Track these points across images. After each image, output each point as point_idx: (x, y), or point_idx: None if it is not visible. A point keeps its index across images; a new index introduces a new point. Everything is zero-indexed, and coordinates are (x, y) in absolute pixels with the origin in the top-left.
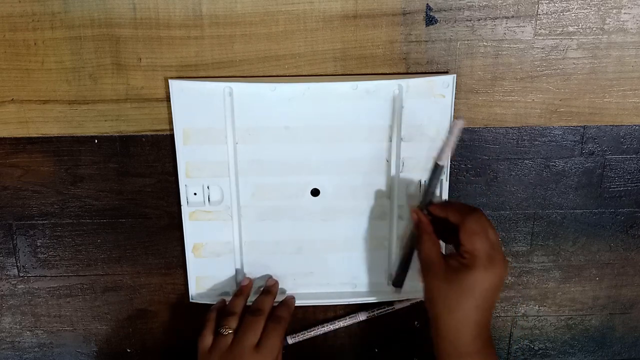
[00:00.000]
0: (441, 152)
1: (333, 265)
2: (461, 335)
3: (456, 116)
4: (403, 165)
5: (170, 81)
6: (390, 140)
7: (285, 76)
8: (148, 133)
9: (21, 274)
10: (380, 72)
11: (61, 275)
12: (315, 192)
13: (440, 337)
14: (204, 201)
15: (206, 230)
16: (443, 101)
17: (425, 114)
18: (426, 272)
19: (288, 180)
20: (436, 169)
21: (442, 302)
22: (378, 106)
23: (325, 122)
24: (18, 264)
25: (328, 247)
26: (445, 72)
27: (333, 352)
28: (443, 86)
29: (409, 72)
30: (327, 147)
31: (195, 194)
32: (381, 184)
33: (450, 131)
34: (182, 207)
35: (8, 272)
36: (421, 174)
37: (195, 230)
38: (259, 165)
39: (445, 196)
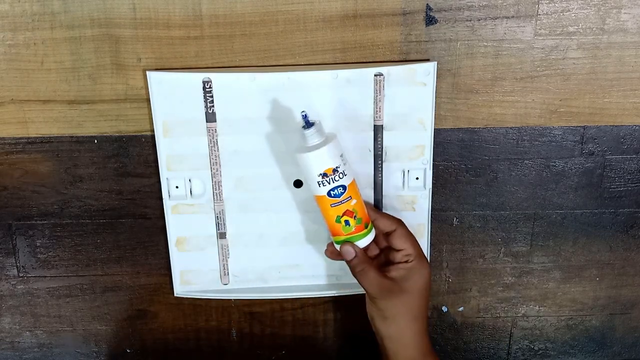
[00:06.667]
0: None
1: (318, 257)
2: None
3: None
4: (386, 155)
5: (148, 72)
6: (372, 129)
7: (267, 66)
8: (148, 133)
9: (21, 274)
10: None
11: (61, 276)
12: (298, 184)
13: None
14: (186, 194)
15: (189, 224)
16: (424, 89)
17: (407, 102)
18: (380, 296)
19: (270, 172)
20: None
21: (401, 316)
22: (359, 95)
23: (307, 112)
24: (18, 264)
25: (313, 239)
26: (427, 60)
27: (333, 352)
28: (424, 74)
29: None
30: None
31: (177, 187)
32: (364, 173)
33: None
34: (163, 200)
35: (8, 273)
36: (404, 163)
37: (178, 224)
38: (241, 157)
39: (429, 185)
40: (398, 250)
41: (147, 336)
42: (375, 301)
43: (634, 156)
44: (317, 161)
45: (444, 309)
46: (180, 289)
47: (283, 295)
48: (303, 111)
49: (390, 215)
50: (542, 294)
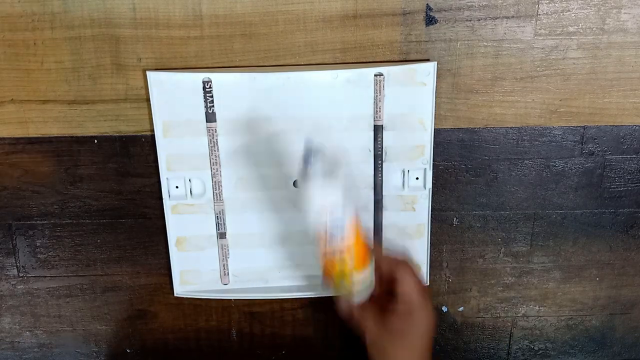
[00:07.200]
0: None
1: (318, 258)
2: None
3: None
4: (386, 155)
5: (148, 73)
6: (372, 129)
7: (267, 66)
8: (148, 133)
9: (21, 274)
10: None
11: (61, 276)
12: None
13: None
14: (186, 194)
15: (189, 224)
16: (424, 89)
17: (407, 102)
18: (380, 342)
19: (270, 172)
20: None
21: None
22: (359, 95)
23: (307, 112)
24: (18, 264)
25: (313, 239)
26: (427, 60)
27: (333, 352)
28: (424, 74)
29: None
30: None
31: (177, 187)
32: (364, 173)
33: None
34: (163, 200)
35: (7, 273)
36: (404, 163)
37: (178, 224)
38: (241, 157)
39: (429, 185)
40: (399, 293)
41: (147, 336)
42: (374, 345)
43: (634, 156)
44: (312, 203)
45: (444, 309)
46: (180, 289)
47: (283, 295)
48: (307, 145)
49: (391, 257)
50: (542, 294)
